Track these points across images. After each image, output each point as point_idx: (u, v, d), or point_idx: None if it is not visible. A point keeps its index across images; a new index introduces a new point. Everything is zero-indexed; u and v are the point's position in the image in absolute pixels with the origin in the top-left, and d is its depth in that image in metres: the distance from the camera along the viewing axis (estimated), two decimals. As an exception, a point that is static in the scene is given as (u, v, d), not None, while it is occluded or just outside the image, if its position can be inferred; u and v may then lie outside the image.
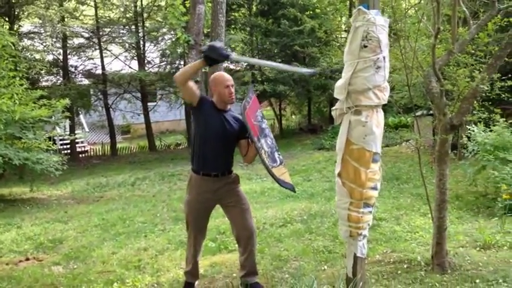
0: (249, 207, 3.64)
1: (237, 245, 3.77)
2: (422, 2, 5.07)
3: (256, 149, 3.35)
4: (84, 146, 19.49)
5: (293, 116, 24.14)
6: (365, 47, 2.82)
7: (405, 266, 4.02)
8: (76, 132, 17.29)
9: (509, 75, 4.28)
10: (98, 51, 18.72)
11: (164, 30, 18.46)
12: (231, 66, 19.75)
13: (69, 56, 18.33)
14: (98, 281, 4.28)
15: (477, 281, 3.59)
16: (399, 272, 3.90)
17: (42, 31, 16.59)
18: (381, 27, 2.83)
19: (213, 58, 3.31)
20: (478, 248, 4.42)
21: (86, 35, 18.89)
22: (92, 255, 5.23)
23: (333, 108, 3.08)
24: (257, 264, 4.30)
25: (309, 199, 7.53)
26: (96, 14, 18.27)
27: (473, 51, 3.99)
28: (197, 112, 3.49)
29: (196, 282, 3.83)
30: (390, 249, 4.58)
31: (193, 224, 3.65)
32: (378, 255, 4.42)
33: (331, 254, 4.60)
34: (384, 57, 2.87)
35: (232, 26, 18.53)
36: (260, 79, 18.79)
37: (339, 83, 2.99)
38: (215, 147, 3.45)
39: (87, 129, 20.77)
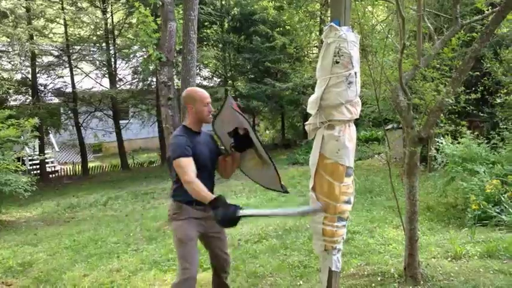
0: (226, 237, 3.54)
1: (210, 267, 3.62)
2: (389, 18, 5.22)
3: (257, 151, 3.23)
4: (54, 166, 19.05)
5: (267, 131, 24.25)
6: (337, 62, 2.86)
7: (379, 279, 4.05)
8: (46, 152, 16.93)
9: (474, 89, 4.43)
10: (68, 69, 18.44)
11: (135, 47, 18.38)
12: (204, 83, 19.79)
13: (38, 75, 17.98)
14: (68, 305, 4.16)
15: (449, 291, 3.65)
16: (373, 284, 3.93)
17: (10, 50, 16.27)
18: (352, 43, 2.89)
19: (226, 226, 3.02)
20: (449, 259, 4.50)
21: (56, 53, 18.60)
22: (62, 278, 5.09)
23: (306, 123, 3.11)
24: (233, 282, 4.28)
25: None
26: (66, 32, 18.02)
27: (438, 66, 4.11)
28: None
29: None
30: (364, 262, 4.61)
31: (189, 250, 3.24)
32: (352, 269, 4.44)
33: (306, 268, 4.60)
34: (356, 73, 2.92)
35: (205, 43, 18.63)
36: (233, 95, 18.87)
37: (312, 98, 3.02)
38: (204, 175, 3.20)
39: (57, 149, 20.31)
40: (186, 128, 3.33)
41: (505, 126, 7.52)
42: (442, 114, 3.94)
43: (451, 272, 4.05)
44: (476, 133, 7.24)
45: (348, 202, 3.08)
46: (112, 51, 18.95)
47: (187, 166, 3.09)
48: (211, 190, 3.24)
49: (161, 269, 5.01)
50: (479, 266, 4.19)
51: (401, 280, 3.93)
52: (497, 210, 5.75)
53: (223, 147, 3.45)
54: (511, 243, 4.65)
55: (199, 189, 3.02)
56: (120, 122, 19.28)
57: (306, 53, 20.10)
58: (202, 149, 3.27)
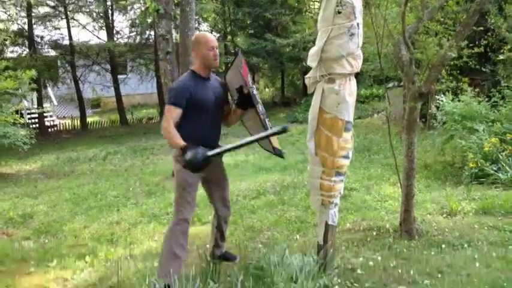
0: (229, 184, 3.59)
1: (210, 217, 3.71)
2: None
3: (258, 114, 3.22)
4: (53, 120, 18.98)
5: (266, 89, 24.07)
6: (339, 13, 2.78)
7: (374, 234, 4.12)
8: (44, 105, 16.80)
9: (477, 43, 4.34)
10: (64, 20, 18.03)
11: (133, -2, 17.91)
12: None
13: (34, 26, 17.59)
14: (69, 255, 4.23)
15: (443, 246, 3.71)
16: (368, 239, 4.00)
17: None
18: (355, -7, 2.79)
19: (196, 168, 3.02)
20: (444, 215, 4.57)
21: (52, 4, 18.12)
22: (63, 230, 5.16)
23: (306, 76, 3.06)
24: (231, 235, 4.35)
25: (282, 171, 7.58)
26: (62, -18, 17.53)
27: (442, 19, 4.01)
28: (189, 102, 3.18)
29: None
30: (360, 218, 4.68)
31: (187, 195, 3.29)
32: (348, 224, 4.51)
33: (303, 223, 4.66)
34: (358, 24, 2.85)
35: (204, -5, 18.14)
36: (233, 51, 18.59)
37: (313, 50, 2.96)
38: (206, 118, 3.23)
39: (55, 103, 20.18)
40: (193, 73, 3.30)
41: (506, 84, 7.43)
42: (444, 70, 3.88)
43: (446, 228, 4.11)
44: (477, 90, 7.17)
45: (346, 157, 3.08)
46: (109, 3, 18.47)
47: (172, 114, 3.15)
48: (214, 135, 3.30)
49: (160, 222, 5.08)
50: (474, 222, 4.25)
51: (397, 235, 4.00)
52: (495, 169, 5.79)
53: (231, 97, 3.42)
54: (506, 201, 4.70)
55: (172, 135, 3.10)
56: (119, 76, 19.04)
57: (308, 6, 19.64)
58: (207, 93, 3.24)
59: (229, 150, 3.14)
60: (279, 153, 3.39)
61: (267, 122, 3.32)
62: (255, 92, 3.33)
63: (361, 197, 5.55)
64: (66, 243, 4.68)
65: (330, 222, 3.18)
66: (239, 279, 2.90)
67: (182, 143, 3.06)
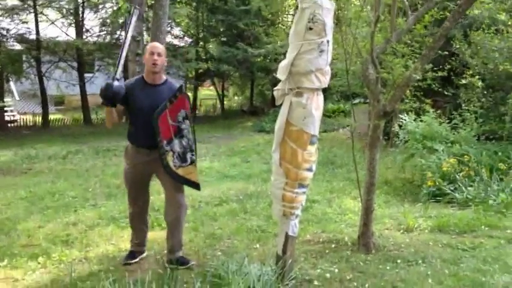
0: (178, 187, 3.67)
1: None
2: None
3: (159, 150, 3.45)
4: (13, 115, 18.39)
5: (235, 97, 24.13)
6: (310, 29, 2.83)
7: (333, 246, 4.18)
8: (5, 100, 16.26)
9: (441, 67, 4.51)
10: (32, 14, 17.55)
11: (105, -3, 17.67)
12: (175, 42, 19.33)
13: (0, 18, 17.06)
14: (21, 254, 4.09)
15: (398, 261, 3.80)
16: (327, 251, 4.05)
17: (-29, -11, 15.32)
18: (327, 11, 2.86)
19: (108, 97, 3.31)
20: (401, 231, 4.68)
21: (21, -4, 17.63)
22: (16, 228, 4.98)
23: (275, 88, 3.10)
24: (190, 242, 4.31)
25: (246, 180, 7.58)
26: (32, -25, 17.09)
27: (409, 42, 4.14)
28: (126, 98, 3.46)
29: (145, 254, 3.93)
30: (320, 230, 4.73)
31: (129, 192, 3.76)
32: (308, 235, 4.55)
33: (264, 233, 4.67)
34: (328, 41, 2.91)
35: (178, 0, 18.08)
36: (204, 57, 18.57)
37: (283, 63, 3.01)
38: (145, 121, 3.45)
39: (17, 98, 19.58)
40: (140, 78, 3.62)
41: (466, 108, 7.74)
42: (408, 91, 4.00)
43: (402, 243, 4.21)
44: (438, 112, 7.42)
45: (309, 170, 3.13)
46: (80, 0, 18.14)
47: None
48: (145, 136, 3.49)
49: (118, 225, 4.98)
50: (429, 239, 4.37)
51: (354, 248, 4.07)
52: (452, 188, 5.98)
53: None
54: (460, 219, 4.87)
55: (106, 118, 3.58)
56: (85, 75, 18.67)
57: (281, 18, 19.87)
58: (142, 99, 3.47)
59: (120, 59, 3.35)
60: (195, 186, 3.70)
61: (179, 157, 3.54)
62: (183, 126, 3.51)
63: (323, 209, 5.61)
64: (19, 242, 4.50)
65: (290, 233, 3.21)
66: (196, 286, 2.88)
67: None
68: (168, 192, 3.66)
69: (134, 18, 3.51)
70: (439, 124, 7.07)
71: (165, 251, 3.83)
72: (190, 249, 4.15)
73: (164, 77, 3.62)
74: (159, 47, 3.57)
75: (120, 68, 3.35)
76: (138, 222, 3.85)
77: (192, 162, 3.59)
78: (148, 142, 3.50)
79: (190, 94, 21.76)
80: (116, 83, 3.27)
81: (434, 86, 4.58)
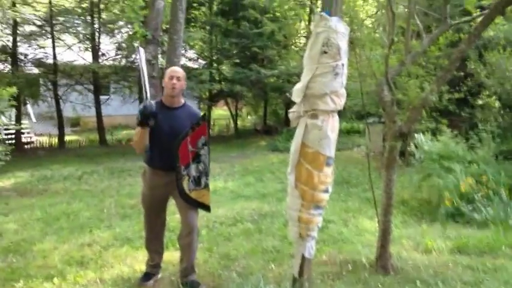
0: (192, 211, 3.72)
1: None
2: (378, 13, 5.22)
3: (176, 175, 3.51)
4: (30, 137, 18.67)
5: (249, 117, 24.22)
6: (325, 53, 2.86)
7: (350, 267, 4.11)
8: (22, 122, 16.55)
9: (457, 88, 4.50)
10: (50, 40, 17.97)
11: (121, 23, 18.02)
12: (189, 64, 19.59)
13: (19, 43, 17.48)
14: (37, 276, 4.11)
15: (418, 283, 3.72)
16: (344, 273, 3.99)
17: (-8, 16, 15.73)
18: (342, 35, 2.89)
19: (148, 116, 3.42)
20: (420, 252, 4.60)
21: (39, 23, 18.07)
22: (32, 250, 5.02)
23: (290, 110, 3.12)
24: (205, 263, 4.29)
25: (260, 199, 7.55)
26: (50, 2, 17.53)
27: (424, 64, 4.15)
28: None
29: (159, 276, 3.93)
30: (337, 251, 4.67)
31: (146, 215, 3.81)
32: (324, 256, 4.49)
33: (280, 253, 4.63)
34: (343, 64, 2.93)
35: (192, 24, 18.38)
36: (218, 78, 18.74)
37: (297, 86, 3.03)
38: (162, 144, 3.54)
39: (34, 120, 19.90)
40: (159, 101, 3.65)
41: (483, 128, 7.66)
42: (424, 111, 3.99)
43: (421, 265, 4.13)
44: (455, 132, 7.36)
45: (325, 191, 3.11)
46: (96, 25, 18.53)
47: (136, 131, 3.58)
48: (164, 160, 3.57)
49: (133, 246, 4.98)
50: (448, 261, 4.28)
51: (372, 270, 4.00)
52: (470, 208, 5.89)
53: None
54: (480, 241, 4.77)
55: (135, 142, 3.57)
56: (101, 97, 18.95)
57: (293, 41, 20.04)
58: (162, 123, 3.52)
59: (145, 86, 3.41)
60: (205, 209, 3.78)
61: (193, 182, 3.62)
62: (202, 152, 3.60)
63: (338, 229, 5.55)
64: (35, 263, 4.53)
65: (306, 255, 3.19)
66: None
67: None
68: (183, 215, 3.70)
69: (141, 55, 3.57)
70: (455, 144, 7.00)
71: (179, 272, 3.82)
72: (204, 270, 4.13)
73: (182, 101, 3.70)
74: (179, 71, 3.66)
75: (149, 90, 3.46)
76: (155, 244, 3.89)
77: (206, 185, 3.68)
78: (165, 165, 3.58)
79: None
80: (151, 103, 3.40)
81: (450, 106, 4.55)
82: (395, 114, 3.80)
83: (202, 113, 3.76)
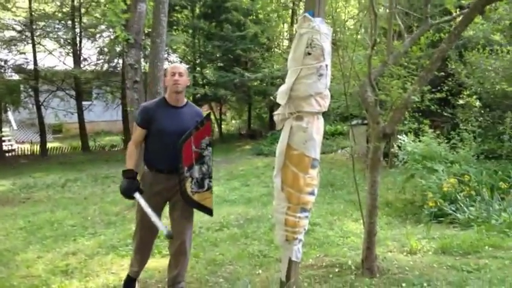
0: (192, 214, 3.59)
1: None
2: (360, 14, 5.26)
3: (179, 176, 3.36)
4: (11, 145, 18.36)
5: (233, 121, 24.20)
6: (309, 54, 2.86)
7: (337, 270, 4.12)
8: (3, 129, 16.27)
9: (439, 88, 4.55)
10: (30, 45, 17.71)
11: (102, 27, 17.86)
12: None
13: (-2, 49, 17.23)
14: (21, 286, 4.04)
15: (403, 284, 3.75)
16: (331, 275, 3.99)
17: (-31, 22, 15.49)
18: (325, 36, 2.89)
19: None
20: (405, 253, 4.63)
21: (18, 28, 17.83)
22: (15, 259, 4.92)
23: (275, 113, 3.11)
24: (192, 269, 4.25)
25: (246, 204, 7.54)
26: (30, 7, 17.29)
27: (406, 64, 4.19)
28: (150, 125, 3.42)
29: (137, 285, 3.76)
30: (323, 254, 4.68)
31: (141, 221, 3.52)
32: (311, 260, 4.50)
33: (266, 258, 4.62)
34: (327, 65, 2.93)
35: (175, 27, 18.30)
36: (201, 82, 18.69)
37: (282, 88, 3.02)
38: (167, 145, 3.37)
39: (15, 127, 19.57)
40: (163, 99, 3.51)
41: (464, 127, 7.77)
42: (406, 112, 4.02)
43: (406, 266, 4.16)
44: (437, 132, 7.44)
45: (311, 193, 3.11)
46: (77, 30, 18.33)
47: (134, 133, 3.50)
48: (168, 162, 3.39)
49: (119, 254, 4.92)
50: (433, 261, 4.32)
51: (358, 272, 4.01)
52: (453, 208, 5.95)
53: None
54: (464, 241, 4.82)
55: (127, 155, 3.44)
56: (83, 103, 18.73)
57: (277, 43, 20.11)
58: (167, 122, 3.40)
59: (144, 210, 3.30)
60: (208, 212, 3.62)
61: (196, 184, 3.47)
62: (205, 153, 3.48)
63: (324, 232, 5.57)
64: (18, 273, 4.44)
65: (293, 258, 3.18)
66: (200, 315, 2.82)
67: (127, 167, 3.41)
68: (177, 223, 3.52)
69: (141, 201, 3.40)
70: (438, 144, 7.08)
71: (166, 279, 3.74)
72: (192, 276, 4.10)
73: (185, 99, 3.56)
74: (180, 67, 3.50)
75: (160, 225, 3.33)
76: (146, 251, 3.68)
77: (209, 188, 3.53)
78: (169, 166, 3.39)
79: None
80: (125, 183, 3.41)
81: (432, 107, 4.60)
82: (378, 115, 3.82)
83: (206, 113, 3.59)
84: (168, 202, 3.58)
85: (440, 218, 5.95)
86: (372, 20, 3.64)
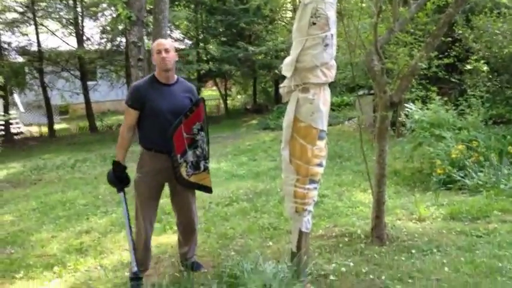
0: (194, 190, 3.59)
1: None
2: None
3: (173, 163, 3.32)
4: (19, 127, 18.50)
5: (239, 96, 24.11)
6: (314, 24, 2.82)
7: (346, 240, 4.17)
8: (10, 112, 16.36)
9: (446, 54, 4.49)
10: (33, 26, 17.63)
11: (104, 5, 17.68)
12: (175, 45, 19.34)
13: (1, 32, 17.18)
14: (37, 265, 4.12)
15: (413, 251, 3.79)
16: (341, 245, 4.04)
17: (-29, 4, 15.44)
18: (330, 5, 2.85)
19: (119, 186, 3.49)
20: (414, 221, 4.66)
21: (20, 10, 17.73)
22: (30, 240, 5.02)
23: (281, 85, 3.09)
24: (203, 243, 4.32)
25: (254, 178, 7.58)
26: (31, -13, 17.17)
27: (412, 30, 4.12)
28: (143, 105, 3.32)
29: (146, 273, 3.57)
30: (332, 224, 4.72)
31: (142, 206, 3.46)
32: (320, 230, 4.54)
33: (276, 230, 4.67)
34: (332, 35, 2.90)
35: (176, 3, 18.08)
36: (205, 58, 18.57)
37: (287, 60, 2.99)
38: (163, 124, 3.27)
39: (22, 110, 19.67)
40: (153, 77, 3.41)
41: (472, 93, 7.68)
42: (413, 80, 3.98)
43: (415, 233, 4.19)
44: (445, 99, 7.37)
45: (320, 165, 3.12)
46: (79, 9, 18.20)
47: (127, 116, 3.40)
48: (165, 141, 3.30)
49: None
50: (442, 228, 4.35)
51: (368, 241, 4.05)
52: (461, 175, 5.94)
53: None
54: (472, 206, 4.84)
55: (119, 143, 3.43)
56: (88, 83, 18.74)
57: (280, 15, 19.83)
58: (160, 99, 3.31)
59: (125, 219, 3.45)
60: (206, 191, 3.66)
61: (192, 166, 3.44)
62: (198, 137, 3.43)
63: (333, 203, 5.60)
64: (34, 253, 4.54)
65: (303, 229, 3.21)
66: (213, 287, 2.88)
67: (117, 157, 3.43)
68: (180, 201, 3.54)
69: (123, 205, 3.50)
70: (445, 111, 7.01)
71: (178, 254, 3.80)
72: (203, 250, 4.16)
73: (175, 76, 3.47)
74: (166, 43, 3.39)
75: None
76: (148, 241, 3.54)
77: (205, 169, 3.52)
78: (167, 146, 3.30)
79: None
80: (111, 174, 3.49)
81: (440, 73, 4.54)
82: (385, 84, 3.79)
83: (199, 97, 3.52)
84: (169, 182, 3.52)
85: (448, 185, 5.95)
86: (376, -13, 3.57)
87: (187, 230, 3.61)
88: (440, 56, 4.58)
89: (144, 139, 3.43)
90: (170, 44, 3.43)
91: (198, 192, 3.71)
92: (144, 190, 3.44)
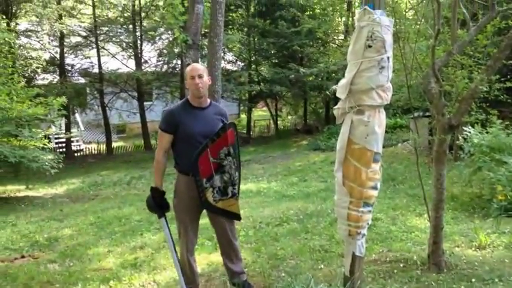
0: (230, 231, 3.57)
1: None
2: (423, 2, 5.09)
3: (199, 188, 3.33)
4: (79, 145, 19.44)
5: (289, 117, 24.18)
6: (369, 47, 2.82)
7: (401, 265, 4.04)
8: (71, 130, 17.27)
9: (508, 77, 4.33)
10: (95, 50, 18.68)
11: (162, 29, 18.50)
12: (228, 67, 19.79)
13: (66, 55, 18.31)
14: (94, 279, 4.27)
15: (473, 280, 3.61)
16: (395, 271, 3.92)
17: (40, 29, 16.56)
18: (386, 28, 2.84)
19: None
20: (473, 248, 4.45)
21: (83, 34, 18.86)
22: (87, 253, 5.22)
23: (335, 107, 3.09)
24: (254, 263, 4.32)
25: (304, 199, 7.53)
26: (94, 13, 18.26)
27: (471, 53, 4.01)
28: (176, 129, 3.37)
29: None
30: (386, 249, 4.60)
31: (184, 230, 3.51)
32: (374, 255, 4.43)
33: (328, 253, 4.60)
34: (388, 58, 2.88)
35: (230, 27, 18.60)
36: (257, 79, 18.84)
37: (342, 82, 3.00)
38: (190, 149, 3.31)
39: (82, 128, 20.69)
40: (186, 101, 3.46)
41: (535, 117, 7.32)
42: (473, 103, 3.86)
43: (475, 261, 4.00)
44: (506, 123, 7.06)
45: (374, 188, 3.07)
46: (138, 33, 19.08)
47: (160, 141, 3.45)
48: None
49: (183, 248, 5.08)
50: (504, 257, 4.13)
51: (424, 268, 3.91)
52: (525, 202, 5.64)
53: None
54: (537, 235, 4.57)
55: (156, 168, 3.44)
56: (144, 103, 19.48)
57: (332, 37, 19.87)
58: (193, 123, 3.34)
59: (167, 239, 3.49)
60: (234, 218, 3.59)
61: (219, 192, 3.41)
62: (225, 162, 3.39)
63: (387, 227, 5.46)
64: (91, 266, 4.71)
65: (357, 253, 3.15)
66: (265, 308, 2.87)
67: (155, 183, 3.43)
68: (218, 224, 3.52)
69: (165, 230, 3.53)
70: (506, 135, 6.71)
71: (226, 272, 3.80)
72: (254, 270, 4.16)
73: (208, 100, 3.50)
74: (199, 68, 3.42)
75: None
76: (192, 261, 3.59)
77: (234, 195, 3.46)
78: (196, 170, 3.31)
79: (244, 116, 22.08)
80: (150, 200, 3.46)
81: (501, 96, 4.38)
82: (443, 107, 3.69)
83: (229, 122, 3.49)
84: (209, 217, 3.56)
85: (510, 211, 5.65)
86: (434, 9, 3.52)
87: (227, 250, 3.59)
88: (502, 79, 4.41)
89: (179, 164, 3.45)
90: (204, 69, 3.46)
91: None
92: (185, 217, 3.50)
